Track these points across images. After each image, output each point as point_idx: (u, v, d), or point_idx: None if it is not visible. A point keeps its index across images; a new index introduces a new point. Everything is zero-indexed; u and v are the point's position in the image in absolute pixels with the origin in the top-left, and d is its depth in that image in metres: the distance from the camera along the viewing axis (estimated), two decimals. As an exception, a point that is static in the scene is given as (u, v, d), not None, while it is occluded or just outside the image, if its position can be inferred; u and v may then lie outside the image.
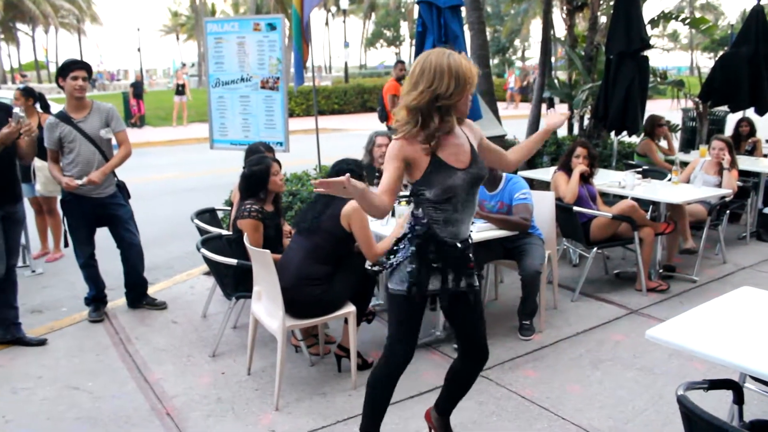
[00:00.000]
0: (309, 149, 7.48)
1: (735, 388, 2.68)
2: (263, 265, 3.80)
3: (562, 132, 9.83)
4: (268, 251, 3.75)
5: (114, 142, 5.17)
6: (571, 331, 4.87)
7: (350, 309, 3.97)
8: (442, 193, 2.87)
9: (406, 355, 3.13)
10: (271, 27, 6.48)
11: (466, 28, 9.29)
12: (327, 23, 60.36)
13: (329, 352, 4.44)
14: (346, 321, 4.03)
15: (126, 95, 22.05)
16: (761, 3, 8.83)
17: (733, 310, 3.03)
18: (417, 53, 5.93)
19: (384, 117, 10.75)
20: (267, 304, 3.98)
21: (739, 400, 2.72)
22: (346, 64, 33.61)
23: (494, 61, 50.38)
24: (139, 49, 46.65)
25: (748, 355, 2.55)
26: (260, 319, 4.04)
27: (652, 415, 3.72)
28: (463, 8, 6.42)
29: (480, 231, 4.44)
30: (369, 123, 11.91)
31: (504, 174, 4.82)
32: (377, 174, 5.47)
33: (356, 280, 4.04)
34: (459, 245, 2.99)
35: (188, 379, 4.19)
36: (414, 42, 6.30)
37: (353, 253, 4.09)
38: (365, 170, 4.08)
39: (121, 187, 5.28)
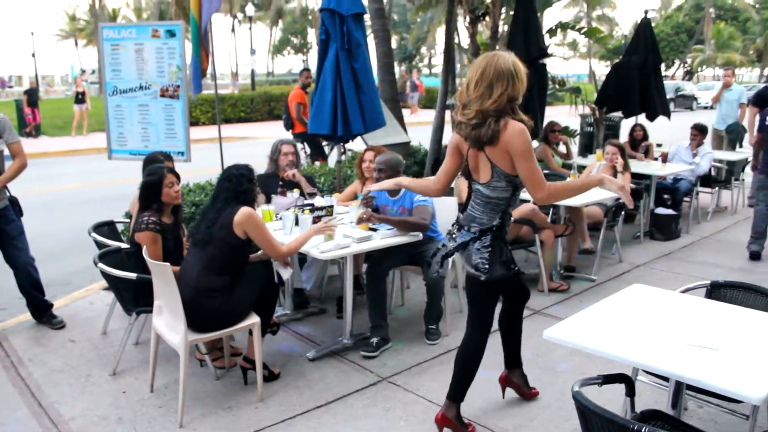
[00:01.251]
0: (214, 158, 7.33)
1: (627, 381, 2.80)
2: (163, 278, 3.70)
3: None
4: (167, 264, 3.66)
5: (7, 153, 4.93)
6: (476, 334, 4.95)
7: (254, 320, 3.91)
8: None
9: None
10: (171, 34, 6.34)
11: (370, 36, 9.38)
12: (233, 30, 59.43)
13: (235, 365, 4.36)
14: (250, 332, 3.97)
15: (19, 103, 21.00)
16: (648, 16, 9.29)
17: (625, 307, 3.16)
18: (320, 61, 5.92)
19: (289, 125, 10.67)
20: (168, 319, 3.87)
21: (630, 392, 2.84)
22: (252, 71, 33.25)
23: (401, 68, 50.95)
24: (33, 55, 44.71)
25: (638, 349, 2.66)
26: (162, 333, 3.92)
27: (555, 412, 3.84)
28: (367, 16, 6.48)
29: (384, 237, 4.46)
30: (276, 131, 11.82)
31: None
32: (281, 183, 5.43)
33: (258, 290, 3.99)
34: None
35: (86, 400, 4.01)
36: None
37: (253, 263, 4.04)
38: (254, 175, 4.02)
39: (14, 203, 5.04)
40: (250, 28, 35.64)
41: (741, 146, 10.57)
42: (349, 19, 5.71)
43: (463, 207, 3.60)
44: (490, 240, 3.32)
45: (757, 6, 60.64)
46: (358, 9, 5.77)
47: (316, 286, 5.55)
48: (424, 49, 51.69)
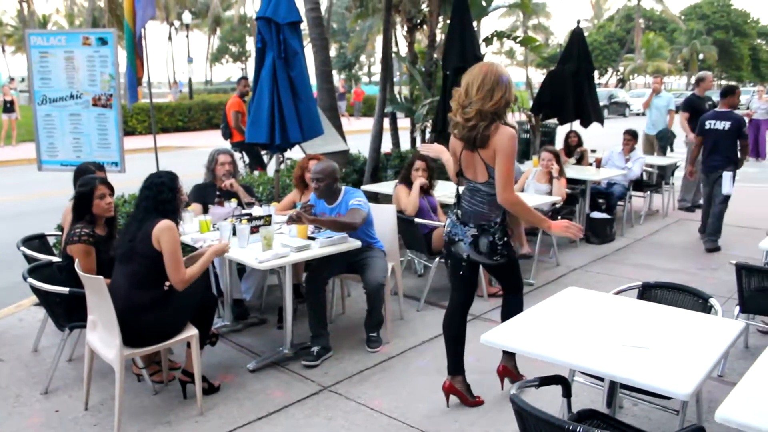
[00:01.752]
0: (150, 169, 7.16)
1: (563, 383, 2.86)
2: (97, 292, 3.60)
3: (405, 146, 10.09)
4: (101, 277, 3.56)
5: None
6: (417, 340, 4.98)
7: (192, 332, 3.84)
8: None
9: None
10: (102, 41, 6.20)
11: (308, 44, 9.36)
12: (170, 38, 58.51)
13: (173, 378, 4.27)
14: (189, 345, 3.90)
15: (-60, 112, 20.16)
16: (581, 26, 9.52)
17: (560, 310, 3.22)
18: (257, 70, 5.87)
19: (228, 134, 10.55)
20: (102, 333, 3.76)
21: (567, 393, 2.90)
22: (190, 80, 32.75)
23: (341, 77, 50.96)
24: (-45, 61, 43.07)
25: (573, 351, 2.71)
26: (96, 349, 3.81)
27: (495, 415, 3.88)
28: (305, 24, 6.46)
29: (323, 246, 4.45)
30: (215, 140, 11.67)
31: (343, 187, 4.90)
32: (218, 193, 5.36)
33: (195, 301, 3.92)
34: None
35: (16, 422, 3.86)
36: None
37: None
38: (176, 183, 3.89)
39: None
40: (187, 36, 35.15)
41: (672, 150, 10.93)
42: (286, 27, 5.68)
43: (455, 204, 3.91)
44: (501, 231, 3.77)
45: (683, 17, 62.94)
46: (294, 17, 5.75)
47: (255, 297, 5.49)
48: (363, 58, 51.85)
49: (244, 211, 4.99)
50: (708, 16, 63.01)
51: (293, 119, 5.78)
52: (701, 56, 59.00)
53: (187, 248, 5.25)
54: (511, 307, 3.98)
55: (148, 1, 6.21)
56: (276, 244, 4.36)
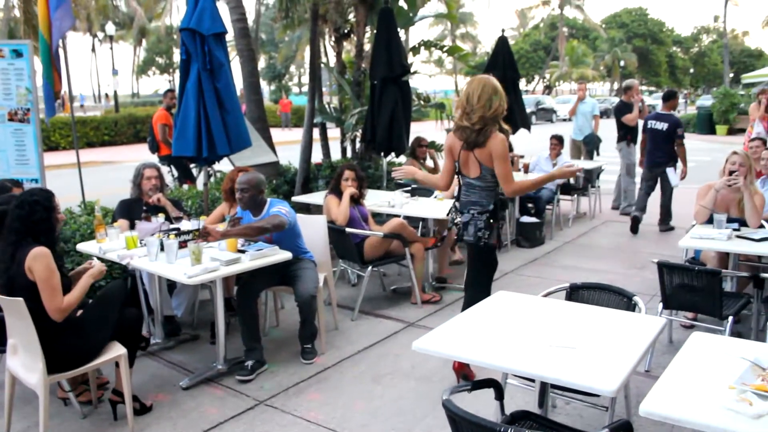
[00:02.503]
0: (74, 184, 6.98)
1: (495, 386, 2.90)
2: (16, 314, 3.46)
3: (336, 156, 10.08)
4: (20, 299, 3.41)
5: None
6: (352, 350, 4.97)
7: (119, 351, 3.73)
8: None
9: None
10: (17, 54, 5.98)
11: (235, 55, 9.27)
12: (93, 49, 57.03)
13: (102, 397, 4.14)
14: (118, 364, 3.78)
15: None
16: (507, 34, 9.70)
17: (490, 314, 3.27)
18: (182, 82, 5.77)
19: (155, 148, 10.32)
20: (24, 358, 3.62)
21: (499, 396, 2.94)
22: (115, 92, 31.96)
23: (271, 88, 50.67)
24: None
25: (503, 354, 2.75)
26: (17, 374, 3.66)
27: (432, 421, 3.90)
28: (231, 35, 6.39)
29: (254, 259, 4.39)
30: (142, 154, 11.43)
31: (269, 199, 4.89)
32: (145, 208, 5.24)
33: (115, 320, 3.79)
34: None
35: (-68, 453, 3.69)
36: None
37: (107, 291, 3.86)
38: (52, 202, 3.69)
39: None
40: (111, 48, 34.24)
41: (598, 155, 11.24)
42: (210, 38, 5.60)
43: (456, 197, 4.46)
44: (487, 217, 4.25)
45: (604, 26, 65.05)
46: (218, 29, 5.67)
47: (187, 312, 5.39)
48: (293, 68, 51.65)
49: (172, 226, 4.89)
50: (627, 24, 65.35)
51: (220, 131, 5.70)
52: (622, 63, 61.07)
53: (114, 265, 5.14)
54: (474, 293, 4.35)
55: (65, 12, 6.02)
56: (205, 258, 4.28)
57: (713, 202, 5.23)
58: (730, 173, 5.11)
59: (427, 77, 69.56)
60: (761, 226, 5.10)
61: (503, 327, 3.08)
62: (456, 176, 4.41)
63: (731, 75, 50.83)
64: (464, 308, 4.14)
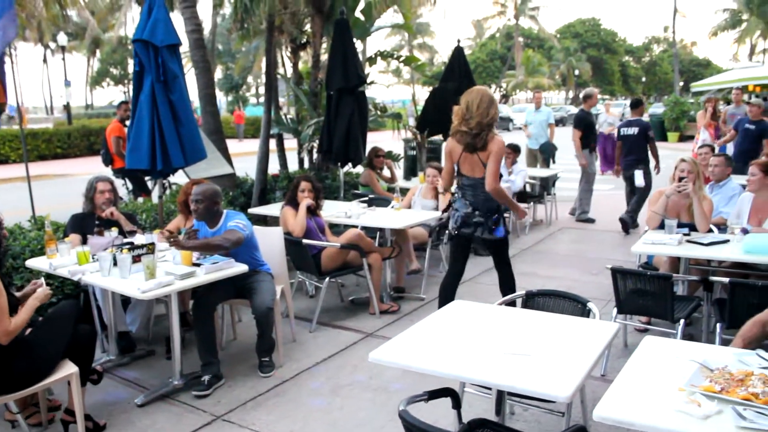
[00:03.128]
0: (25, 198, 6.82)
1: (452, 395, 2.91)
2: (-40, 333, 3.36)
3: (293, 167, 10.04)
4: (-35, 318, 3.32)
5: None
6: (310, 362, 4.94)
7: (71, 370, 3.64)
8: None
9: None
10: (-39, 66, 5.84)
11: (190, 67, 9.18)
12: (45, 60, 55.88)
13: (53, 419, 4.04)
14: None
15: None
16: (463, 44, 9.81)
17: (447, 324, 3.28)
18: (136, 94, 5.71)
19: (109, 160, 10.16)
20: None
21: (456, 405, 2.95)
22: (68, 104, 31.31)
23: (228, 99, 50.28)
24: None
25: (458, 363, 2.76)
26: (-38, 396, 3.55)
27: (391, 431, 3.89)
28: (187, 46, 6.32)
29: (209, 272, 4.34)
30: (96, 167, 11.24)
31: (225, 211, 4.85)
32: (97, 222, 5.15)
33: (66, 338, 3.71)
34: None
35: None
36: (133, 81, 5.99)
37: (59, 309, 3.78)
38: None
39: None
40: (64, 59, 33.56)
41: (554, 162, 11.40)
42: (164, 50, 5.55)
43: (461, 196, 4.94)
44: (498, 215, 4.88)
45: (558, 36, 66.16)
46: (172, 40, 5.62)
47: (142, 327, 5.30)
48: (250, 79, 51.31)
49: (125, 240, 4.81)
50: (581, 34, 66.59)
51: (175, 144, 5.65)
52: (577, 72, 62.15)
53: (67, 282, 5.03)
54: (506, 277, 5.14)
55: (8, 22, 5.88)
56: (159, 272, 4.22)
57: (664, 208, 5.34)
58: (680, 180, 5.22)
59: (385, 87, 69.82)
60: (710, 231, 5.23)
61: (459, 336, 3.09)
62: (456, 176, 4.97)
63: (681, 83, 52.07)
64: (504, 286, 5.11)
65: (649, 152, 9.11)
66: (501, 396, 3.07)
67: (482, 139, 4.63)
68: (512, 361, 2.73)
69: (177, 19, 8.40)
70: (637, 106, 9.55)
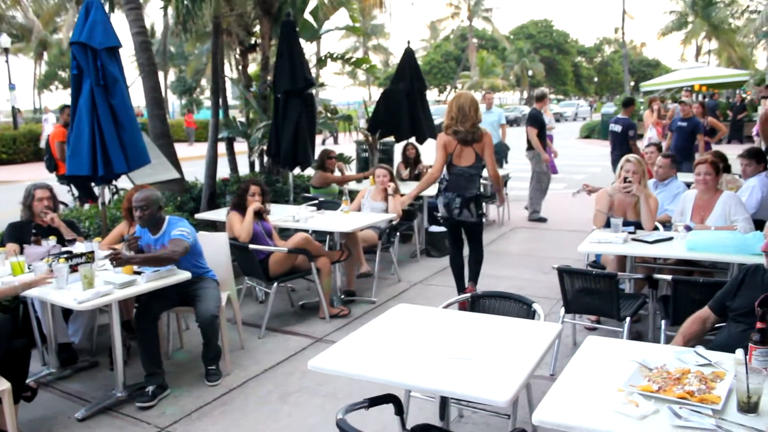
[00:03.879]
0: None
1: (394, 401, 2.87)
2: None
3: (244, 170, 9.91)
4: None
5: None
6: (259, 369, 4.86)
7: (2, 387, 3.51)
8: None
9: None
10: None
11: (135, 69, 8.99)
12: (-11, 64, 54.27)
13: (-13, 438, 3.89)
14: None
15: None
16: (414, 46, 9.80)
17: (390, 329, 3.24)
18: (75, 98, 5.56)
19: (53, 166, 9.91)
20: None
21: (399, 411, 2.91)
22: (13, 108, 30.50)
23: (182, 102, 49.59)
24: None
25: (400, 369, 2.72)
26: None
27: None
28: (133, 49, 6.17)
29: (150, 280, 4.23)
30: (43, 173, 10.99)
31: (167, 217, 4.76)
32: (34, 231, 5.00)
33: (1, 354, 3.58)
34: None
35: None
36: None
37: None
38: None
39: None
40: (7, 61, 32.62)
41: (507, 163, 11.46)
42: (103, 53, 5.41)
43: (446, 188, 5.77)
44: (477, 200, 5.81)
45: (511, 37, 66.89)
46: (112, 42, 5.48)
47: (85, 338, 5.15)
48: (204, 82, 50.68)
49: (63, 249, 4.66)
50: (534, 35, 67.38)
51: (117, 149, 5.51)
52: (530, 73, 62.84)
53: None
54: (477, 256, 6.09)
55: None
56: (99, 281, 4.10)
57: (609, 207, 5.39)
58: (625, 179, 5.28)
59: (341, 89, 69.74)
60: (656, 228, 5.30)
61: (402, 341, 3.06)
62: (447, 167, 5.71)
63: (632, 83, 53.03)
64: (475, 266, 6.09)
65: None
66: (445, 401, 3.04)
67: (478, 134, 5.57)
68: (454, 366, 2.70)
69: (123, 21, 8.25)
70: (628, 105, 10.10)
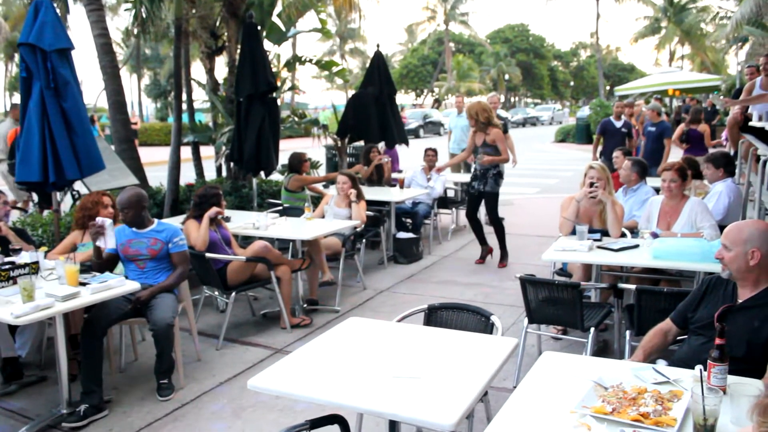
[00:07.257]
0: None
1: (340, 421, 2.73)
2: None
3: (211, 175, 9.73)
4: None
5: None
6: (214, 382, 4.70)
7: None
8: None
9: None
10: None
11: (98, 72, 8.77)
12: (-44, 65, 53.39)
13: None
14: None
15: None
16: (384, 50, 9.69)
17: (339, 344, 3.11)
18: (24, 100, 5.36)
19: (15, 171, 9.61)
20: None
21: (345, 430, 2.77)
22: (-18, 111, 30.03)
23: (157, 105, 49.13)
24: None
25: (344, 389, 2.58)
26: None
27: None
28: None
29: (96, 292, 4.04)
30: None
31: (155, 220, 4.80)
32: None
33: None
34: None
35: None
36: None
37: None
38: None
39: None
40: (-23, 64, 32.09)
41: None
42: (53, 54, 5.21)
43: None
44: (496, 175, 7.33)
45: (488, 41, 67.13)
46: (63, 44, 5.28)
47: (34, 352, 4.95)
48: (179, 84, 50.29)
49: (6, 260, 4.47)
50: (510, 39, 67.70)
51: (69, 155, 5.31)
52: (507, 77, 63.06)
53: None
54: (499, 232, 7.74)
55: None
56: (40, 293, 3.91)
57: (575, 214, 5.29)
58: (590, 185, 5.19)
59: (320, 92, 69.59)
60: (623, 236, 5.21)
61: (351, 357, 2.92)
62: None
63: (607, 87, 53.37)
64: (502, 235, 7.73)
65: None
66: (393, 422, 2.90)
67: (487, 126, 7.15)
68: (400, 386, 2.56)
69: (85, 22, 8.03)
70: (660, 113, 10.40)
